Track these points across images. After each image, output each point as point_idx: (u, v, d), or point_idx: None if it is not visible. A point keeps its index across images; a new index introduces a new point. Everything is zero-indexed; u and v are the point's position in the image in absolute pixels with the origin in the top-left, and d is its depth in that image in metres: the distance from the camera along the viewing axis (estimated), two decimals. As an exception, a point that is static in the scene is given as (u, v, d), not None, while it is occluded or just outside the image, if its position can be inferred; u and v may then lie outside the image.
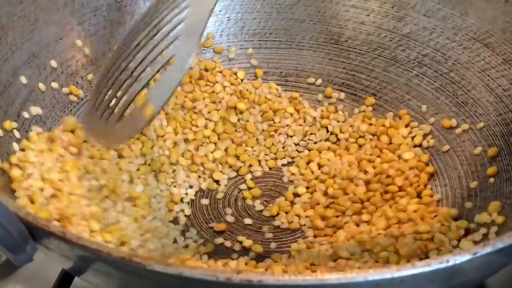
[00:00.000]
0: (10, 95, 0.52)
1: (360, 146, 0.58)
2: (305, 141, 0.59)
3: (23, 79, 0.53)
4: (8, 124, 0.51)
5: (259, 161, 0.57)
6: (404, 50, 0.60)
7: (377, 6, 0.62)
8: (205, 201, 0.55)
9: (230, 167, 0.57)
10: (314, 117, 0.59)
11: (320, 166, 0.56)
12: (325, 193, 0.54)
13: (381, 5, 0.61)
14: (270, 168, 0.57)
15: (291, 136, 0.59)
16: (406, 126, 0.58)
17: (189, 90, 0.59)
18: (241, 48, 0.63)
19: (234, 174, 0.57)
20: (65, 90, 0.56)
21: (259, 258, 0.51)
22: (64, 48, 0.57)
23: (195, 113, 0.58)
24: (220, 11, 0.63)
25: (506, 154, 0.51)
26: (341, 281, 0.34)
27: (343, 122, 0.59)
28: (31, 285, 0.53)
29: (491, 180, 0.51)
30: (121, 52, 0.50)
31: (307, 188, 0.55)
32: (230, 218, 0.53)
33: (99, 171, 0.51)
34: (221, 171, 0.56)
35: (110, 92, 0.48)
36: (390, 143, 0.57)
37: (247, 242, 0.51)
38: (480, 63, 0.56)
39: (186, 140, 0.57)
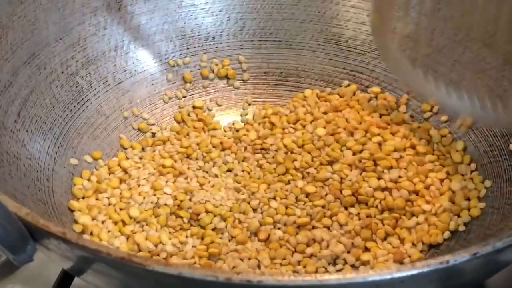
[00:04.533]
0: (10, 95, 0.52)
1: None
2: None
3: (23, 79, 0.53)
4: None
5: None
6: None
7: (377, 6, 0.62)
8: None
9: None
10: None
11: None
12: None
13: (381, 5, 0.61)
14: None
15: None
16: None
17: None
18: (241, 48, 0.63)
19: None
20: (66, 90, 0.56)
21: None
22: (64, 48, 0.57)
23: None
24: (220, 11, 0.63)
25: (506, 154, 0.51)
26: (340, 282, 0.34)
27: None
28: (31, 285, 0.53)
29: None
30: None
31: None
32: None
33: None
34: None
35: None
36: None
37: None
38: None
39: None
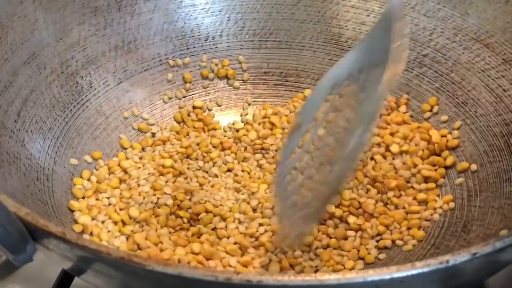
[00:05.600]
0: (10, 95, 0.52)
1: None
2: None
3: (23, 79, 0.53)
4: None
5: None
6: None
7: (377, 6, 0.62)
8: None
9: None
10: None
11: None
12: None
13: (381, 5, 0.61)
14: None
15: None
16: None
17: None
18: (241, 48, 0.63)
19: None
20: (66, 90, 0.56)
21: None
22: (64, 48, 0.57)
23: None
24: (220, 11, 0.63)
25: (506, 154, 0.51)
26: (340, 282, 0.34)
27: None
28: (31, 285, 0.53)
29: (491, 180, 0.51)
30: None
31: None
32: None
33: None
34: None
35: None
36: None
37: None
38: (480, 63, 0.56)
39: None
